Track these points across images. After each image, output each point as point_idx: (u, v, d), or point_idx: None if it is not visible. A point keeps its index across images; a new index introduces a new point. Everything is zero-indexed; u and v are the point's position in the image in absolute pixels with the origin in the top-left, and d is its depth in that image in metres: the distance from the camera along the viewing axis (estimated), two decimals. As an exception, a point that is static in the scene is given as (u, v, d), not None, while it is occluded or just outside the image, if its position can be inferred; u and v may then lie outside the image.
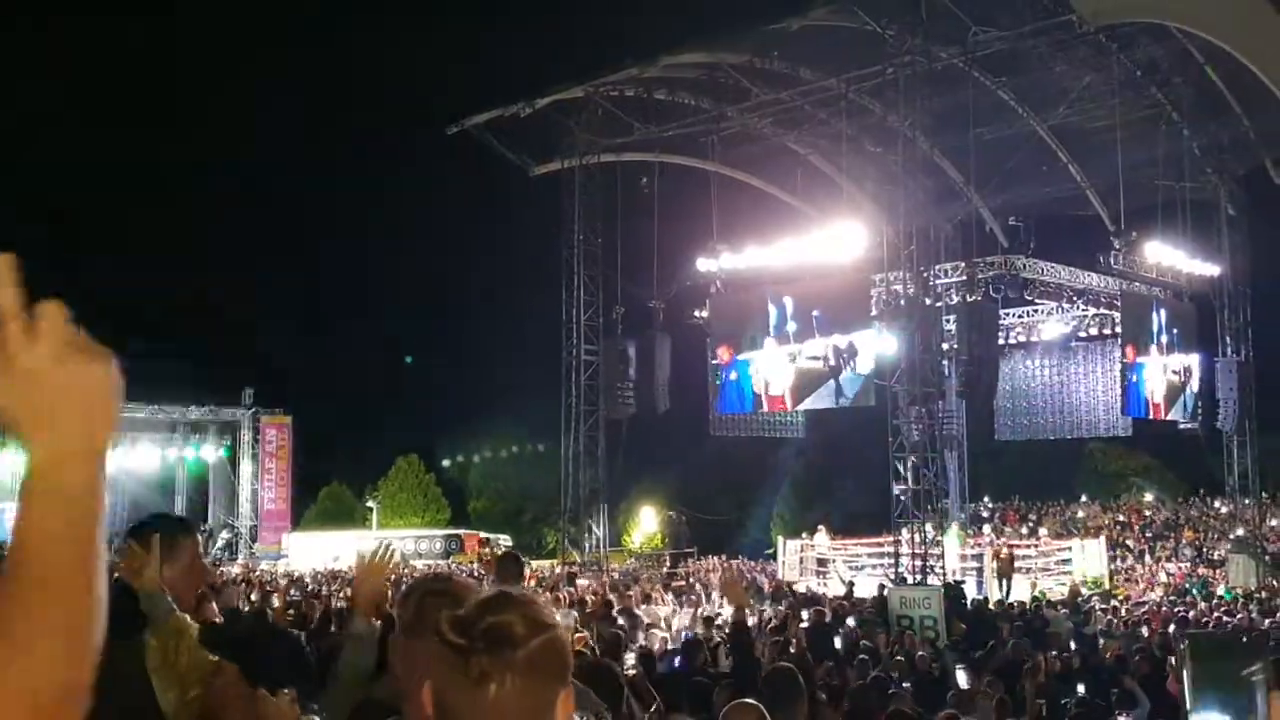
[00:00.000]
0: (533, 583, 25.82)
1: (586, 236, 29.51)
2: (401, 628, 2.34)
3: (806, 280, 27.62)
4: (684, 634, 14.05)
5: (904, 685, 10.55)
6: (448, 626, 1.55)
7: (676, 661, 10.01)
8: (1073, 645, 15.49)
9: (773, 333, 28.40)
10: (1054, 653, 13.56)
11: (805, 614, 15.96)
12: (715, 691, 6.28)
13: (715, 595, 19.31)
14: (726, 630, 10.77)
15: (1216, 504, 35.24)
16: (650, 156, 29.80)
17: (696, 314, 31.40)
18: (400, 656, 2.32)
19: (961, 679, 10.50)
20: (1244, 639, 1.17)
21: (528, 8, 60.12)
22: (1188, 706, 1.11)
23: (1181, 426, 31.13)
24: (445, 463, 53.35)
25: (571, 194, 29.54)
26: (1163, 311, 29.34)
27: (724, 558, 35.74)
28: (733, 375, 29.80)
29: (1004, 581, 25.24)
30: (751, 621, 11.01)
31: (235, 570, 28.47)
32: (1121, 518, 38.08)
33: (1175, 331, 29.79)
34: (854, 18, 23.53)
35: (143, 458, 38.38)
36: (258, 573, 28.17)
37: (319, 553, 36.76)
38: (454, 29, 60.72)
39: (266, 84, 55.74)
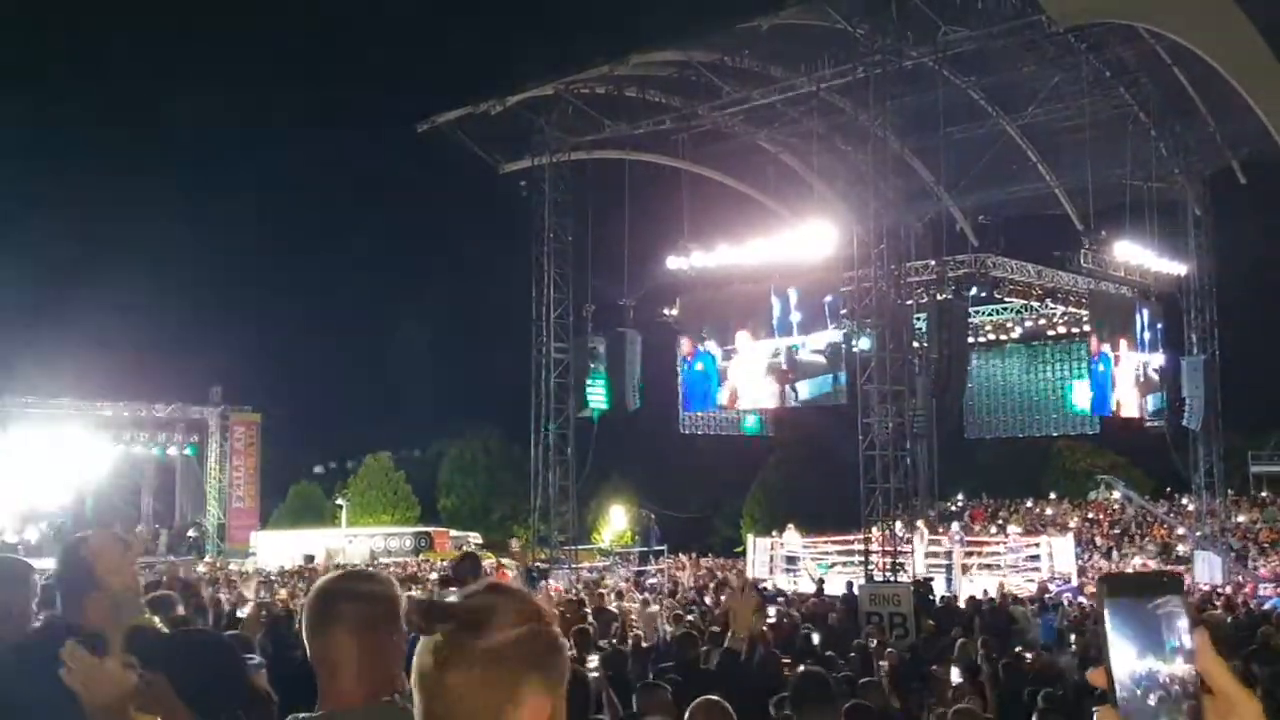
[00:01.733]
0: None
1: (557, 234, 29.36)
2: (306, 626, 2.26)
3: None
4: (658, 630, 14.02)
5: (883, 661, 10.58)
6: (416, 610, 1.51)
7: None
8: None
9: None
10: (1020, 648, 13.61)
11: (770, 610, 15.95)
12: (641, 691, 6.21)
13: (681, 590, 19.28)
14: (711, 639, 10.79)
15: (1184, 501, 35.56)
16: (621, 154, 29.69)
17: (667, 312, 31.40)
18: (312, 654, 2.24)
19: (955, 676, 10.47)
20: (1162, 579, 1.15)
21: (499, 6, 59.91)
22: (1106, 642, 1.13)
23: (1148, 424, 31.37)
24: (414, 460, 53.06)
25: (542, 191, 29.40)
26: (1145, 311, 29.67)
27: (694, 555, 35.75)
28: (699, 366, 30.14)
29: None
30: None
31: (201, 569, 28.20)
32: (1091, 515, 38.38)
33: (1159, 328, 30.20)
34: (825, 16, 23.53)
35: (110, 455, 37.96)
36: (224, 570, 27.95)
37: (288, 551, 36.49)
38: (425, 27, 60.45)
39: (237, 84, 55.26)
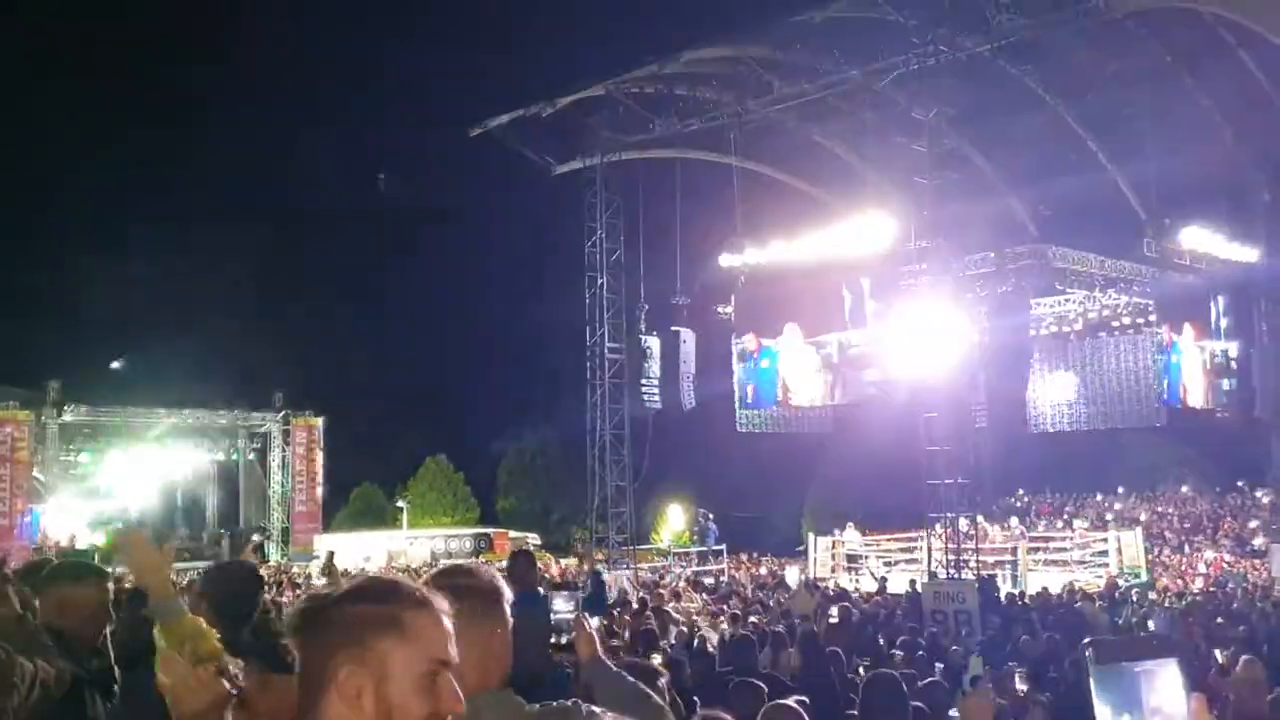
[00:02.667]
0: (556, 574, 25.84)
1: (609, 234, 29.35)
2: None
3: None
4: (716, 632, 13.94)
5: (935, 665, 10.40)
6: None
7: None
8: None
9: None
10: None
11: (834, 609, 15.75)
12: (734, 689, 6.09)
13: (739, 591, 19.12)
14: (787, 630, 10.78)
15: (1258, 494, 34.67)
16: (672, 152, 29.60)
17: (721, 309, 31.22)
18: None
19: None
20: (1152, 643, 1.20)
21: (548, 7, 60.04)
22: (1092, 706, 1.16)
23: (1219, 415, 30.63)
24: (472, 461, 53.34)
25: (594, 192, 29.39)
26: (1218, 299, 29.03)
27: (753, 555, 35.53)
28: (765, 363, 30.01)
29: None
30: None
31: (264, 573, 28.57)
32: (1160, 509, 37.56)
33: (1230, 316, 29.56)
34: (877, 9, 23.24)
35: (173, 463, 38.61)
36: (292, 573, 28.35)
37: (350, 554, 36.85)
38: (476, 30, 60.79)
39: (287, 91, 55.98)
